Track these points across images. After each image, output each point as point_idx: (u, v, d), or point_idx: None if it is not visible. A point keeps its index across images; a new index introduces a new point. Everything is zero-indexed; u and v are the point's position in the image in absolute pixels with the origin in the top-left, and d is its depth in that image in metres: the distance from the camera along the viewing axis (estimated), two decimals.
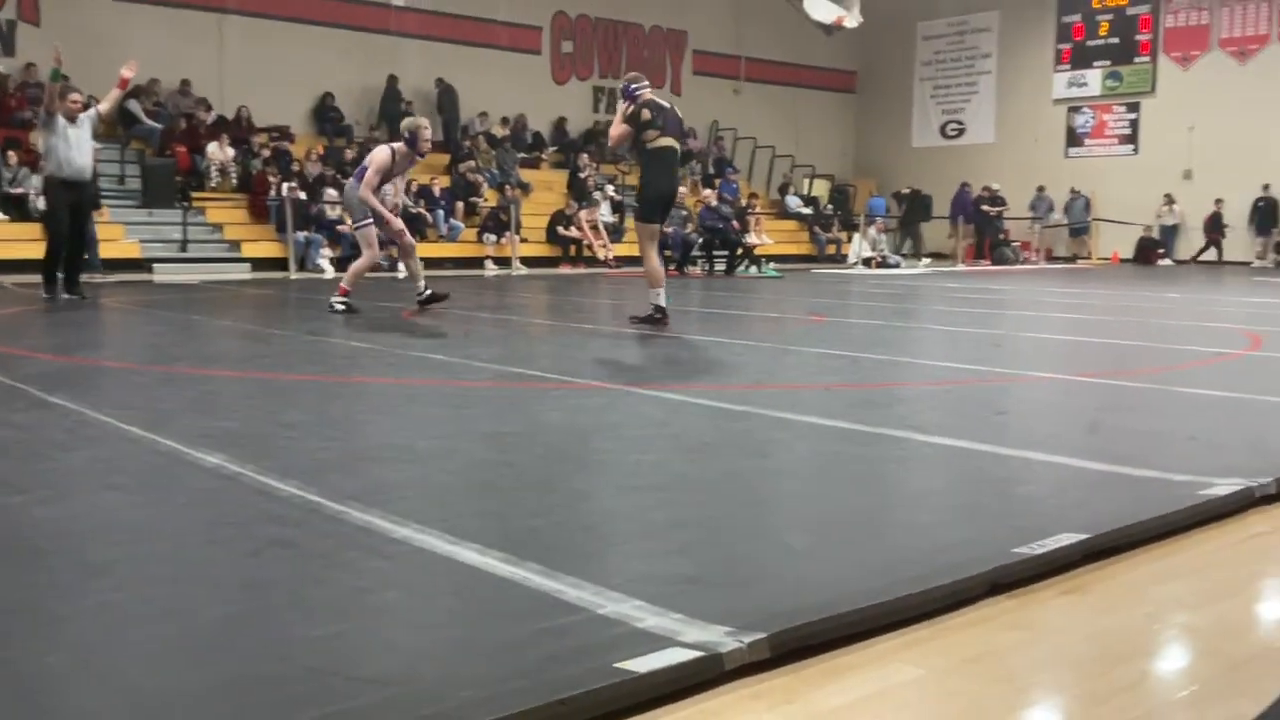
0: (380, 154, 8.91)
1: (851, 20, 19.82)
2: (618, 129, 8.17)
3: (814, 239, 22.89)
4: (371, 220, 8.87)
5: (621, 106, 8.21)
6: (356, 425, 4.28)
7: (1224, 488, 3.15)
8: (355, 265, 9.22)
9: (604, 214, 19.55)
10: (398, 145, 8.90)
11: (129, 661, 1.97)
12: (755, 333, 7.89)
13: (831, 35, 21.38)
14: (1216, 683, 1.99)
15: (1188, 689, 1.99)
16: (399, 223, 8.97)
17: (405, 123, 9.18)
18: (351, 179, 9.38)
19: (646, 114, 7.93)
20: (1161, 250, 22.94)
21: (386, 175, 8.94)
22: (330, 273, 15.76)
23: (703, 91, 25.10)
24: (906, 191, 23.63)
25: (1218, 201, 22.21)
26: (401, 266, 16.60)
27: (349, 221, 9.11)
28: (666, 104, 8.14)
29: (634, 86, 8.18)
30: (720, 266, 18.12)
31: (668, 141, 8.00)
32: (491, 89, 21.32)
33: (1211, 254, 22.51)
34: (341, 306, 8.90)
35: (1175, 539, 2.84)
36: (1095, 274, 19.20)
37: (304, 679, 1.86)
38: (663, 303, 7.94)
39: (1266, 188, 21.77)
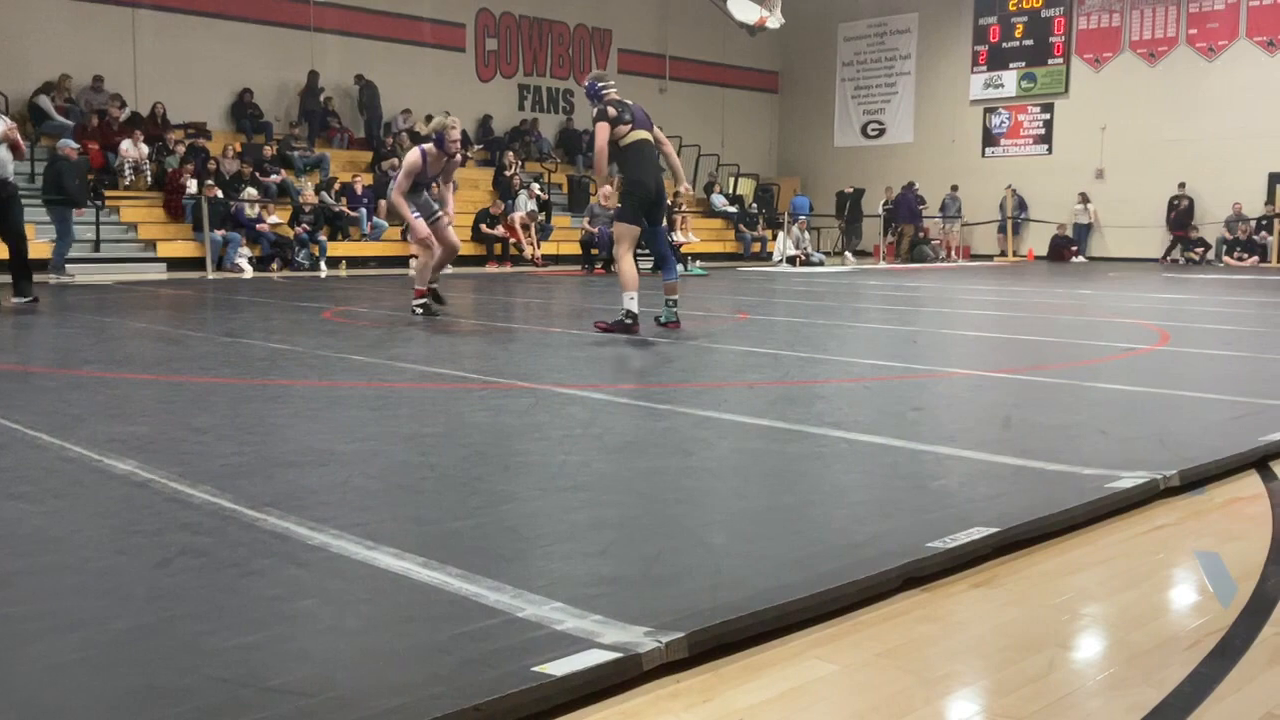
0: (410, 156, 8.81)
1: (774, 21, 20.01)
2: (601, 143, 7.62)
3: (739, 237, 23.08)
4: (418, 216, 8.81)
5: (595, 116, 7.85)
6: (273, 429, 4.21)
7: (1130, 480, 3.24)
8: (417, 263, 9.05)
9: (531, 207, 19.46)
10: (428, 147, 8.78)
11: (30, 675, 1.91)
12: (680, 331, 7.91)
13: (755, 35, 21.56)
14: (1122, 671, 2.05)
15: (1094, 678, 2.05)
16: (424, 229, 8.76)
17: (433, 123, 9.00)
18: (391, 183, 9.31)
19: (612, 111, 7.65)
20: (1075, 248, 23.53)
21: (421, 178, 8.81)
22: (249, 272, 15.49)
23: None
24: (850, 191, 23.92)
25: (1179, 199, 22.21)
26: (324, 266, 16.49)
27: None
28: (630, 101, 7.92)
29: (599, 85, 7.90)
30: (646, 265, 18.14)
31: (640, 134, 7.67)
32: (415, 86, 21.12)
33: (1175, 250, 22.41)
34: (420, 309, 8.80)
35: (1083, 531, 2.92)
36: (1011, 271, 19.62)
37: (215, 690, 1.83)
38: (634, 308, 7.44)
39: (1182, 186, 22.40)
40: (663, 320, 7.90)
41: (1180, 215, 22.33)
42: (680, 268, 18.19)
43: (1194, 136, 22.05)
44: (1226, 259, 21.57)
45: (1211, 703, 1.91)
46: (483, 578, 2.36)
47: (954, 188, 24.69)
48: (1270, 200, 21.23)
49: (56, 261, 13.49)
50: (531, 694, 1.82)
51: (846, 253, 22.72)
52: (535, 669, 1.89)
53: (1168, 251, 22.61)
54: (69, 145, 13.48)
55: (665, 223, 7.99)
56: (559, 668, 1.89)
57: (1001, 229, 24.78)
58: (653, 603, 2.22)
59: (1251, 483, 3.48)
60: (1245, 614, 2.32)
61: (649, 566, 2.51)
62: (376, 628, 2.16)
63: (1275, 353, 7.05)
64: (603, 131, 7.63)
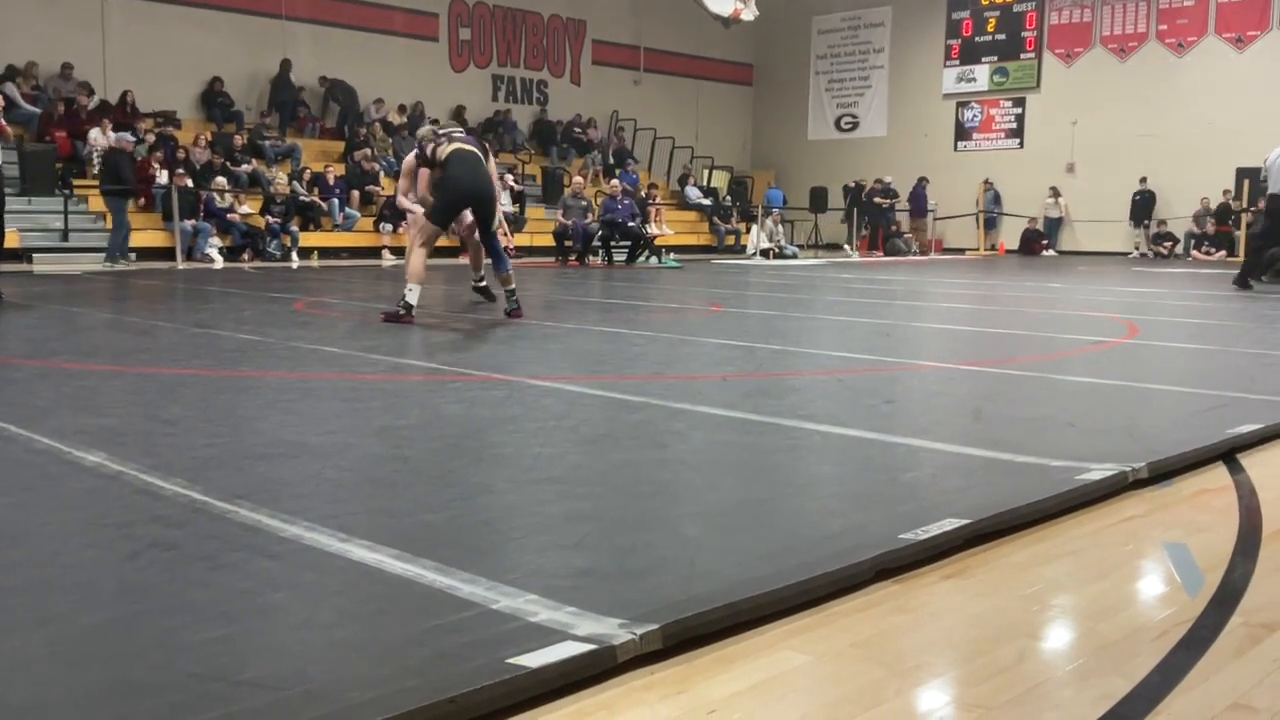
0: (408, 157, 8.87)
1: (748, 13, 19.98)
2: (405, 168, 8.42)
3: (713, 230, 23.09)
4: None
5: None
6: (245, 421, 4.18)
7: (1099, 472, 3.27)
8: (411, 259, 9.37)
9: (504, 203, 19.34)
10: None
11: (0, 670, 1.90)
12: (654, 323, 7.93)
13: (729, 27, 21.54)
14: (1091, 661, 2.07)
15: (1064, 668, 2.07)
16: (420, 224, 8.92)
17: (419, 132, 9.14)
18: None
19: (430, 146, 7.96)
20: (1045, 241, 23.71)
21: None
22: (219, 262, 15.36)
23: (602, 81, 25.13)
24: (853, 185, 24.01)
25: (1226, 192, 21.52)
26: (296, 256, 16.38)
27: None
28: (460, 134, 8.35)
29: (438, 131, 8.26)
30: (621, 257, 18.16)
31: (456, 146, 7.83)
32: (388, 76, 21.00)
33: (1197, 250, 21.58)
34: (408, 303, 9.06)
35: (1053, 523, 2.94)
36: (983, 265, 19.75)
37: (186, 685, 1.81)
38: (414, 301, 7.62)
39: (1144, 180, 22.61)
40: (508, 310, 8.00)
41: (1215, 214, 21.63)
42: (654, 260, 18.27)
43: (1163, 131, 22.26)
44: (1194, 253, 21.77)
45: (1180, 692, 1.93)
46: (457, 570, 2.36)
47: (923, 179, 24.73)
48: (1238, 196, 21.44)
49: (113, 251, 14.20)
50: (506, 686, 1.82)
51: (847, 245, 22.93)
52: (510, 661, 1.88)
53: (1205, 246, 22.21)
54: (126, 139, 14.38)
55: (499, 224, 8.32)
56: (533, 660, 1.89)
57: (991, 223, 24.89)
58: (627, 595, 2.23)
59: (1219, 475, 3.52)
60: (1213, 605, 2.35)
61: (623, 559, 2.51)
62: (350, 620, 2.15)
63: (1242, 346, 7.13)
64: (409, 160, 8.40)
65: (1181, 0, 22.49)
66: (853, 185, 23.90)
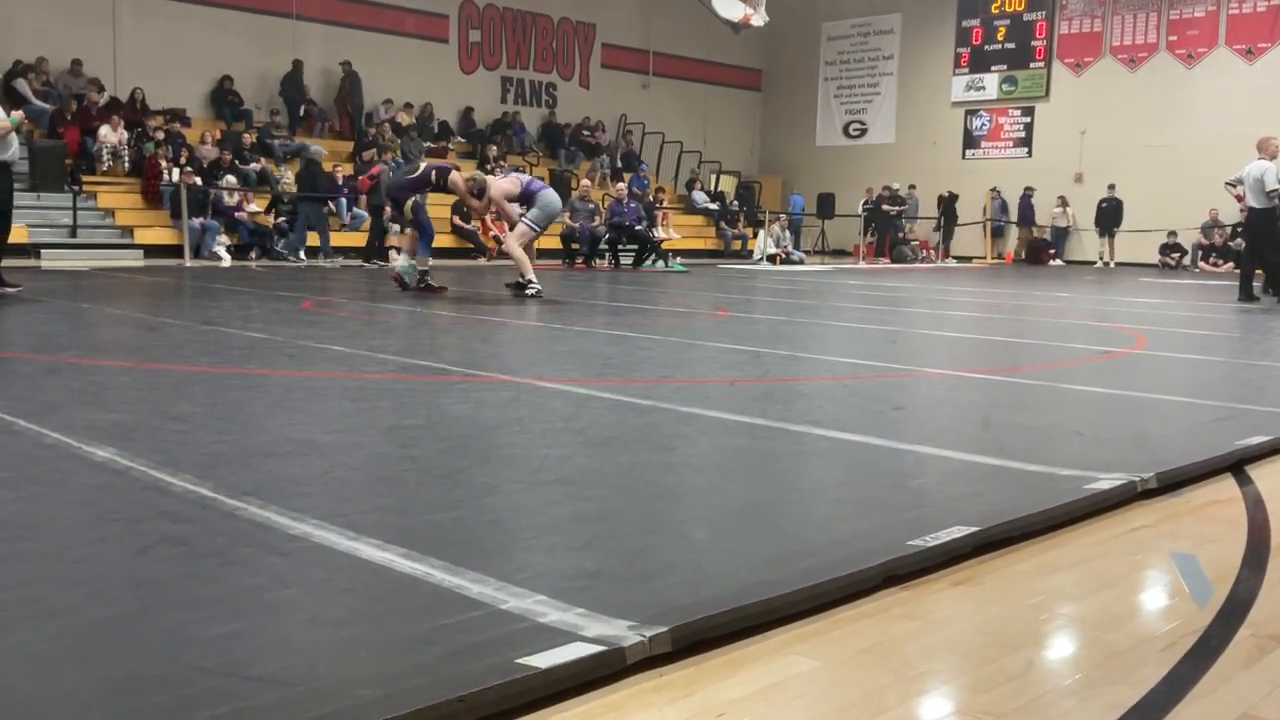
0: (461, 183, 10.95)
1: (758, 18, 19.99)
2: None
3: (720, 234, 23.09)
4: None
5: None
6: (253, 418, 4.19)
7: (1107, 482, 3.27)
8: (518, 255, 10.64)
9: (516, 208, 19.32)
10: None
11: (8, 664, 1.90)
12: (661, 327, 7.92)
13: (739, 33, 21.55)
14: (1098, 671, 2.07)
15: (1071, 677, 2.07)
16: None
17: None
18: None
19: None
20: (1053, 250, 23.68)
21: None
22: (228, 261, 15.39)
23: (611, 85, 25.16)
24: (947, 195, 23.96)
25: (1212, 211, 21.15)
26: (303, 255, 16.40)
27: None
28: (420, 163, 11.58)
29: None
30: (627, 260, 18.16)
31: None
32: (397, 76, 21.03)
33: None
34: (532, 291, 10.26)
35: (1061, 531, 2.94)
36: (990, 273, 19.73)
37: (195, 680, 1.82)
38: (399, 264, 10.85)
39: (1111, 188, 22.53)
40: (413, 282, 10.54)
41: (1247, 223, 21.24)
42: (660, 264, 18.26)
43: (1172, 142, 22.22)
44: (1201, 264, 21.74)
45: (1188, 703, 1.93)
46: (465, 570, 2.36)
47: (912, 186, 24.66)
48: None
49: (294, 249, 15.71)
50: (515, 686, 1.82)
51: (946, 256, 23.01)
52: (519, 661, 1.89)
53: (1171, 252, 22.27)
54: (320, 153, 15.81)
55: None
56: (543, 660, 1.89)
57: (998, 231, 24.86)
58: (636, 597, 2.23)
59: (1227, 486, 3.51)
60: (1221, 615, 2.35)
61: (632, 561, 2.52)
62: (359, 618, 2.15)
63: (1250, 358, 7.12)
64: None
65: (1192, 11, 22.46)
66: (946, 195, 23.73)
